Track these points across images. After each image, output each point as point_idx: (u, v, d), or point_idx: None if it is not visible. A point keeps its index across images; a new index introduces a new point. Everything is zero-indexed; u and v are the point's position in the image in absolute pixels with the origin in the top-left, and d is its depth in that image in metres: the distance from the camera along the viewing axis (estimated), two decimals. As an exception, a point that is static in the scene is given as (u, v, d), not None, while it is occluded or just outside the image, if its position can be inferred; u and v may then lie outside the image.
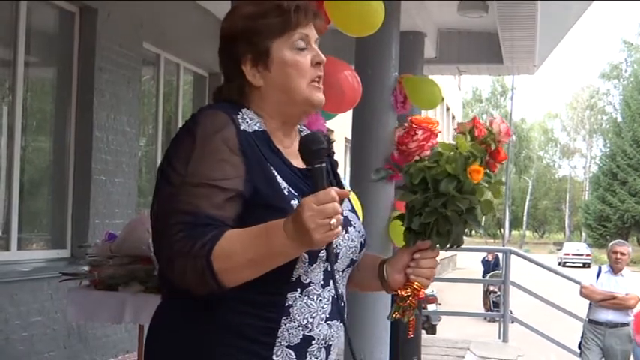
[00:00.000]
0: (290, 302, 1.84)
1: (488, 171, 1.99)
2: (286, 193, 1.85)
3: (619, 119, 63.45)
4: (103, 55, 7.29)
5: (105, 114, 7.33)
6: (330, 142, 1.99)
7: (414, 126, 1.89)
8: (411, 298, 2.02)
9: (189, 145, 1.80)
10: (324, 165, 1.74)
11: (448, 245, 2.02)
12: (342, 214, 1.70)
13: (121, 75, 7.58)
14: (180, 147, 1.82)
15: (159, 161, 8.72)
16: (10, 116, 6.47)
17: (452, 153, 1.96)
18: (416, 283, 2.01)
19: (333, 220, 1.67)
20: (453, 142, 2.01)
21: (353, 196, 2.14)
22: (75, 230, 7.12)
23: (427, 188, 1.96)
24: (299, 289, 1.85)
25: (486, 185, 1.98)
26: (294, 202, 1.83)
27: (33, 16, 6.69)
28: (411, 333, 2.10)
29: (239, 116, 1.87)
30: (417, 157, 2.03)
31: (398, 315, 2.04)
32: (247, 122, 1.87)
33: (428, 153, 2.01)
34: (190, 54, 9.17)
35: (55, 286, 6.12)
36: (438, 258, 2.07)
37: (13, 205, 6.42)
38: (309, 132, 1.95)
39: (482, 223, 2.03)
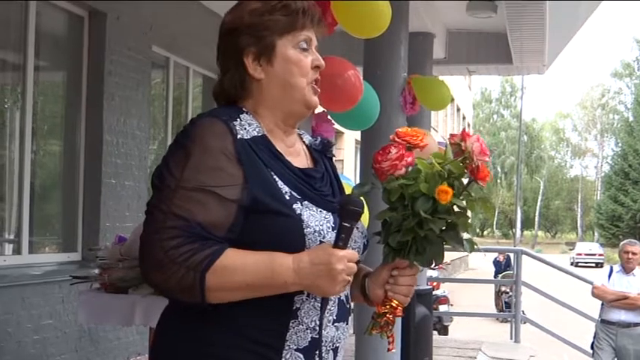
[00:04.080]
0: (297, 305, 1.84)
1: (469, 189, 1.92)
2: (288, 198, 1.85)
3: (631, 118, 63.30)
4: (113, 59, 7.31)
5: (115, 117, 7.36)
6: (332, 144, 2.17)
7: (396, 140, 1.80)
8: (388, 315, 1.98)
9: (187, 151, 1.81)
10: (354, 227, 1.83)
11: (427, 264, 1.98)
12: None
13: (131, 78, 7.60)
14: (178, 151, 1.82)
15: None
16: (20, 120, 6.49)
17: (429, 171, 1.91)
18: (394, 300, 1.97)
19: (350, 278, 1.81)
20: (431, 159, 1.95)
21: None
22: (85, 233, 7.14)
23: (406, 205, 1.91)
24: (306, 292, 1.85)
25: (463, 206, 1.91)
26: (297, 206, 1.85)
27: (42, 20, 6.71)
28: (391, 347, 2.04)
29: (237, 122, 1.87)
30: (391, 175, 1.94)
31: (375, 331, 2.00)
32: (246, 128, 1.88)
33: (402, 172, 1.94)
34: (200, 57, 9.18)
35: (66, 289, 6.15)
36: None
37: (24, 209, 6.44)
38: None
39: (466, 242, 1.95)
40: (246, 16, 1.94)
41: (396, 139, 1.97)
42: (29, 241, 6.53)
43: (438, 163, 1.92)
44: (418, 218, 1.88)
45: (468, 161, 1.92)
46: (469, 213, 1.94)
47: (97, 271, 4.79)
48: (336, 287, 1.78)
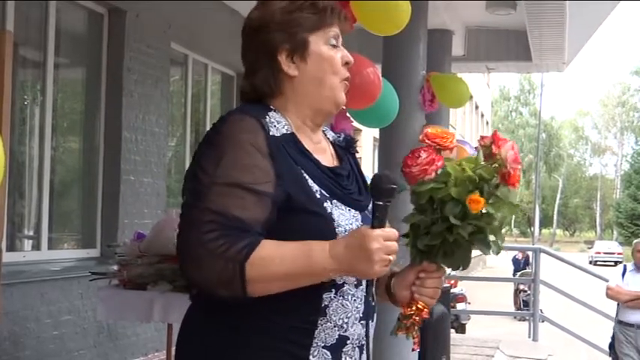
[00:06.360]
0: (326, 303, 1.85)
1: (498, 193, 1.89)
2: (318, 196, 1.85)
3: (651, 116, 62.76)
4: (132, 56, 7.33)
5: (134, 114, 7.38)
6: (356, 140, 2.11)
7: (425, 141, 1.77)
8: (414, 317, 1.97)
9: (219, 148, 1.80)
10: (389, 204, 1.81)
11: (455, 268, 1.95)
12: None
13: (150, 75, 7.62)
14: (211, 149, 1.82)
15: (188, 161, 8.80)
16: (40, 117, 6.53)
17: (460, 175, 1.88)
18: (420, 303, 1.96)
19: (392, 257, 1.77)
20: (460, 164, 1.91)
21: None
22: (104, 230, 7.17)
23: (435, 209, 1.89)
24: (334, 290, 1.85)
25: (491, 211, 1.88)
26: (327, 205, 1.85)
27: (62, 17, 6.74)
28: (416, 347, 2.03)
29: (267, 120, 1.87)
30: (420, 180, 1.93)
31: (401, 332, 1.99)
32: (275, 126, 1.88)
33: (432, 176, 1.91)
34: (218, 54, 9.20)
35: (84, 285, 6.17)
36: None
37: (43, 205, 6.47)
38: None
39: (492, 244, 1.91)
40: (276, 13, 1.94)
41: (426, 140, 1.95)
42: (48, 237, 6.56)
43: (470, 168, 1.90)
44: (448, 223, 1.86)
45: (500, 167, 1.89)
46: (498, 215, 1.91)
47: (115, 267, 4.82)
48: (374, 267, 1.75)
